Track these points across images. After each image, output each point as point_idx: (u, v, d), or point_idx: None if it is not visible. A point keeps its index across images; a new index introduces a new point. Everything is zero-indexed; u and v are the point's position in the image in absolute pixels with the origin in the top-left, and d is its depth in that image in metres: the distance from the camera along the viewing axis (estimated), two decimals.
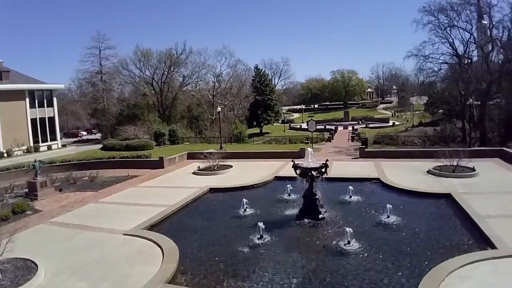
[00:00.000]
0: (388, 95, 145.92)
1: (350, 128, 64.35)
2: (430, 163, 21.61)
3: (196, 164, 25.73)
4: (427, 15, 45.79)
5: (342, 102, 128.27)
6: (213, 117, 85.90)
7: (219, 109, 47.14)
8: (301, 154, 27.40)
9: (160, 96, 78.18)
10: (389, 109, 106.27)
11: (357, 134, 52.45)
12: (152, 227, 13.74)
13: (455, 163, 20.41)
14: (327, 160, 14.11)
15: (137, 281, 9.34)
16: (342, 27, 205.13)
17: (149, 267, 10.17)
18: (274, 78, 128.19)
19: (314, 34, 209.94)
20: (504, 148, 24.79)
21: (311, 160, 14.23)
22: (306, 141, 44.95)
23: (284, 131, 76.56)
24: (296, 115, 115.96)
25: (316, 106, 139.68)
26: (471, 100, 41.33)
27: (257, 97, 78.58)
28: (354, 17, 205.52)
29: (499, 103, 47.33)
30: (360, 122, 75.88)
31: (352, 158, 26.76)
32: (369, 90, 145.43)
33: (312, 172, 13.81)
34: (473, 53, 48.69)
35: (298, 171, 14.17)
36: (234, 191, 19.11)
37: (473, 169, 20.02)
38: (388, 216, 13.41)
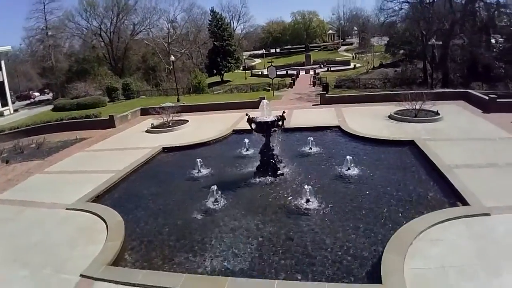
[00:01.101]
0: (350, 37, 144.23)
1: (312, 72, 63.21)
2: (392, 107, 21.03)
3: (150, 121, 24.13)
4: None
5: (303, 46, 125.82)
6: (170, 67, 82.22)
7: (172, 58, 44.40)
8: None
9: (110, 47, 73.58)
10: (350, 51, 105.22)
11: (319, 79, 51.56)
12: (98, 198, 12.52)
13: (417, 107, 19.93)
14: (284, 112, 13.06)
15: (78, 265, 8.31)
16: None
17: (92, 246, 9.14)
18: (233, 22, 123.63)
19: None
20: (469, 91, 24.59)
21: (267, 113, 13.11)
22: (268, 89, 43.66)
23: (245, 78, 74.51)
24: (258, 60, 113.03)
25: (278, 50, 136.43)
26: (433, 40, 40.79)
27: (215, 43, 75.14)
28: None
29: (462, 43, 47.34)
30: (321, 66, 74.81)
31: (313, 105, 25.95)
32: (330, 31, 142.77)
33: (268, 125, 12.75)
34: None
35: (253, 126, 13.08)
36: (189, 149, 17.93)
37: (437, 113, 19.64)
38: (349, 168, 12.79)
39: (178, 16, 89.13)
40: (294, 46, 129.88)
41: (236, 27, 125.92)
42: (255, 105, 26.10)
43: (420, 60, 49.88)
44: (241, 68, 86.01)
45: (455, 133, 16.54)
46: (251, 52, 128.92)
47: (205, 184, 12.71)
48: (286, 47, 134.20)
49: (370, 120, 19.94)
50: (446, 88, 38.75)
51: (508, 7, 40.01)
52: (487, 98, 21.35)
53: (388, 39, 64.23)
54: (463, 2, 44.15)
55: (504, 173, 11.73)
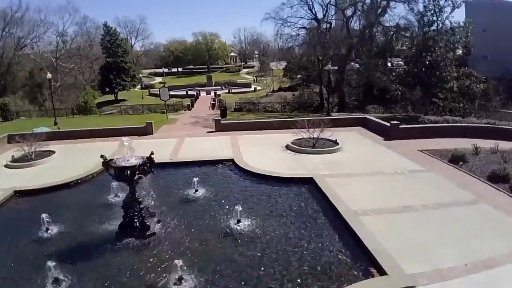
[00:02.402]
0: (251, 60, 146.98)
1: (212, 94, 61.06)
2: (290, 136, 19.14)
3: (14, 151, 18.86)
4: None
5: (206, 66, 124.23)
6: (58, 84, 73.81)
7: (49, 75, 37.98)
8: (148, 130, 22.97)
9: None
10: (251, 73, 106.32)
11: (219, 101, 49.49)
12: None
13: (315, 135, 18.36)
14: (152, 153, 9.91)
15: None
16: None
17: None
18: (131, 38, 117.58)
19: None
20: (368, 116, 24.08)
21: (130, 155, 9.84)
22: (163, 110, 40.04)
23: (142, 97, 69.72)
24: (158, 79, 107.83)
25: (180, 69, 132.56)
26: (329, 66, 41.54)
27: (107, 59, 69.24)
28: None
29: (358, 68, 49.37)
30: (223, 87, 73.33)
31: (208, 132, 23.22)
32: (232, 54, 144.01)
33: (131, 172, 9.48)
34: (333, 18, 49.08)
35: (111, 172, 9.68)
36: (46, 192, 13.58)
37: (336, 142, 18.22)
38: (239, 221, 10.11)
39: (68, 29, 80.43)
40: (196, 67, 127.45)
41: (135, 43, 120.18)
42: (140, 131, 22.74)
43: (316, 85, 50.91)
44: (139, 86, 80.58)
45: (357, 166, 15.04)
46: (152, 70, 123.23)
47: (50, 250, 9.11)
48: (188, 67, 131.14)
49: (266, 151, 17.78)
50: (343, 112, 39.37)
51: (407, 30, 42.47)
52: (388, 124, 20.78)
53: (286, 63, 65.38)
54: (361, 27, 46.09)
55: (422, 219, 10.14)
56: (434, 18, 32.60)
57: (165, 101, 35.31)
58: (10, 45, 71.76)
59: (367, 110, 43.93)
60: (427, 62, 31.74)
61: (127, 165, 9.42)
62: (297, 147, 17.73)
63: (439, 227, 9.66)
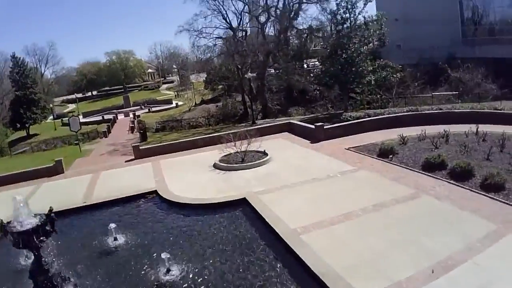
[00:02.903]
0: (170, 75, 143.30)
1: (131, 115, 57.73)
2: (217, 153, 18.04)
3: None
4: None
5: (122, 87, 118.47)
6: None
7: None
8: (58, 169, 20.40)
9: None
10: (172, 89, 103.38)
11: (139, 122, 46.67)
12: None
13: (243, 148, 17.35)
14: (50, 211, 8.08)
15: None
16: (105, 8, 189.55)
17: None
18: (41, 66, 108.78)
19: (81, 15, 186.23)
20: (292, 121, 23.70)
21: (25, 215, 7.91)
22: (76, 142, 36.57)
23: (55, 129, 63.92)
24: (72, 106, 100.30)
25: (94, 93, 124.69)
26: (249, 73, 40.97)
27: (16, 92, 62.89)
28: None
29: (277, 73, 49.45)
30: (142, 107, 69.94)
31: (127, 162, 21.11)
32: (150, 70, 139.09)
33: (29, 236, 7.60)
34: (247, 25, 48.76)
35: (9, 239, 7.70)
36: None
37: (265, 153, 17.44)
38: (169, 270, 8.65)
39: None
40: (112, 88, 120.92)
41: (44, 71, 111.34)
42: (50, 172, 20.14)
43: (239, 93, 50.39)
44: (51, 117, 74.02)
45: (290, 176, 14.29)
46: (64, 98, 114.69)
47: None
48: (103, 89, 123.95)
49: (193, 173, 16.42)
50: (268, 119, 39.12)
51: (319, 31, 43.17)
52: (313, 127, 20.45)
53: (206, 75, 64.31)
54: (276, 33, 46.22)
55: (365, 225, 9.63)
56: (347, 15, 33.15)
57: (76, 132, 32.19)
58: None
59: (290, 113, 44.26)
60: (343, 60, 32.42)
61: (23, 229, 7.51)
62: (225, 164, 16.58)
63: (384, 231, 9.15)
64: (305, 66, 51.49)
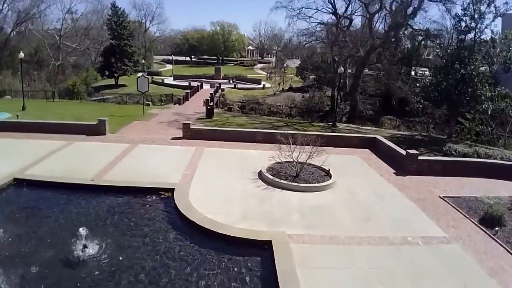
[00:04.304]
0: (269, 55, 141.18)
1: (215, 86, 56.11)
2: (272, 154, 13.99)
3: None
4: None
5: (219, 58, 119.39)
6: (57, 63, 70.26)
7: (21, 55, 32.25)
8: (99, 129, 18.41)
9: None
10: (266, 69, 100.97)
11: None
12: None
13: (302, 160, 13.30)
14: None
15: None
16: None
17: None
18: (145, 22, 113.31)
19: None
20: (378, 137, 18.88)
21: None
22: (147, 103, 35.37)
23: None
24: (169, 66, 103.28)
25: (195, 59, 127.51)
26: (342, 68, 35.59)
27: (111, 41, 65.01)
28: None
29: (378, 74, 43.62)
30: (230, 81, 68.30)
31: (172, 139, 18.29)
32: (250, 48, 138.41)
33: None
34: (355, 13, 42.76)
35: None
36: None
37: (328, 174, 13.26)
38: None
39: (79, 4, 76.84)
40: (211, 57, 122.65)
41: (149, 27, 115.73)
42: (90, 130, 18.34)
43: (329, 87, 45.62)
44: (144, 72, 76.08)
45: (348, 222, 9.97)
46: (165, 57, 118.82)
47: None
48: (202, 57, 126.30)
49: (230, 178, 12.76)
50: (353, 125, 34.13)
51: (438, 38, 36.55)
52: (403, 153, 15.64)
53: (299, 62, 60.32)
54: (385, 28, 40.04)
55: None
56: (473, 24, 26.72)
57: (143, 93, 30.54)
58: (9, 19, 68.56)
59: (382, 122, 38.51)
60: (459, 76, 26.19)
61: None
62: (272, 177, 12.62)
63: None
64: (412, 73, 44.53)
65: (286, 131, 18.19)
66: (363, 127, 31.92)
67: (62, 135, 17.84)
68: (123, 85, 64.50)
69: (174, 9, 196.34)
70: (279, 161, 13.71)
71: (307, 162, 13.25)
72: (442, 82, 27.49)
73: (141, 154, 15.37)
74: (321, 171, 13.49)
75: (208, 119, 28.09)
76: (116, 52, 64.15)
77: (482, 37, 27.66)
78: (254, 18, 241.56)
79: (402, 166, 15.11)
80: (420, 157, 15.39)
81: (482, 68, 27.30)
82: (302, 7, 39.84)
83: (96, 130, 18.47)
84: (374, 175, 14.39)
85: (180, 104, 37.64)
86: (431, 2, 35.85)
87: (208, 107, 29.06)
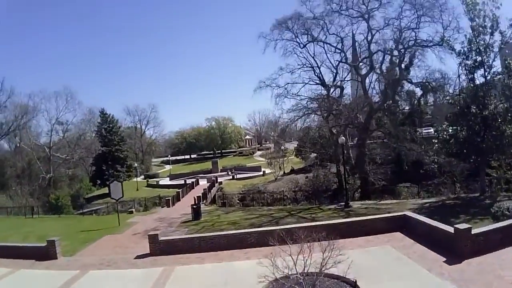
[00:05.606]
0: (267, 142, 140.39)
1: (210, 180, 52.21)
2: (268, 264, 9.17)
3: None
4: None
5: (217, 151, 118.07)
6: (48, 176, 67.55)
7: None
8: (49, 253, 14.00)
9: None
10: (265, 155, 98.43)
11: (219, 189, 40.66)
12: None
13: (312, 268, 8.51)
14: None
15: None
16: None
17: None
18: (141, 126, 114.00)
19: (186, 81, 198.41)
20: (406, 213, 14.28)
21: None
22: (130, 210, 31.08)
23: (137, 189, 61.32)
24: (167, 167, 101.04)
25: (193, 156, 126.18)
26: (342, 137, 31.40)
27: (101, 148, 63.18)
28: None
29: (383, 140, 39.78)
30: (228, 173, 64.76)
31: (136, 258, 13.60)
32: (247, 137, 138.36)
33: None
34: (345, 78, 39.86)
35: None
36: None
37: (355, 286, 8.49)
38: None
39: (67, 117, 75.58)
40: (209, 152, 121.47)
41: (145, 131, 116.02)
42: (42, 253, 14.04)
43: (332, 163, 41.45)
44: (142, 176, 72.80)
45: None
46: (164, 159, 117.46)
47: None
48: (201, 153, 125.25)
49: None
50: (368, 200, 29.35)
51: (440, 89, 33.09)
52: (451, 231, 10.94)
53: (297, 142, 57.37)
54: (381, 88, 36.88)
55: None
56: (479, 58, 23.44)
57: (116, 200, 26.47)
58: None
59: (399, 192, 33.64)
60: (479, 119, 22.35)
61: None
62: None
63: None
64: (418, 132, 40.70)
65: (285, 226, 13.56)
66: (381, 202, 27.14)
67: (10, 260, 13.95)
68: None
69: (170, 111, 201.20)
70: (280, 276, 8.93)
71: (322, 271, 8.51)
72: (461, 131, 23.55)
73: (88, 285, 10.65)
74: (342, 284, 8.67)
75: (194, 221, 23.52)
76: (107, 159, 61.96)
77: (493, 70, 24.18)
78: (248, 109, 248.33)
79: (453, 248, 10.58)
80: (473, 231, 10.70)
81: (505, 104, 23.53)
82: (288, 83, 37.23)
83: (46, 254, 14.18)
84: (421, 272, 9.66)
85: (169, 206, 33.23)
86: (428, 49, 33.13)
87: (194, 207, 24.54)
